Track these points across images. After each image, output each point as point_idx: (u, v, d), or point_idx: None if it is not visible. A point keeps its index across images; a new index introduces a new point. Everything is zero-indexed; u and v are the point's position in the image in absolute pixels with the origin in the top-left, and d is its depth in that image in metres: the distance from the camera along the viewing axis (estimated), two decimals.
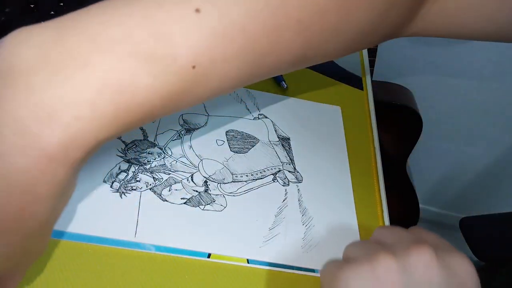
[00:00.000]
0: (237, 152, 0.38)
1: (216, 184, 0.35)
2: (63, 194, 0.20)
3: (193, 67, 0.21)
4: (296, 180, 0.37)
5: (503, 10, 0.33)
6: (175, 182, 0.34)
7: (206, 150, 0.37)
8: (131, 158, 0.34)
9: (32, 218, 0.19)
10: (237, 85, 0.26)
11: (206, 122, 0.40)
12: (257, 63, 0.25)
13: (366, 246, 0.25)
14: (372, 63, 0.84)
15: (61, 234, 0.29)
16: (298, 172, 0.38)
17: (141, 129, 0.37)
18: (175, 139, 0.37)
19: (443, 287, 0.23)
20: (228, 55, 0.23)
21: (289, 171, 0.38)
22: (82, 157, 0.19)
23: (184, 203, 0.33)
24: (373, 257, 0.23)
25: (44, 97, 0.17)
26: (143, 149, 0.35)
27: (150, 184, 0.33)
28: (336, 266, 0.25)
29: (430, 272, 0.23)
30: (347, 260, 0.26)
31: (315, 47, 0.28)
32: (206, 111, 0.41)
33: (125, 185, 0.32)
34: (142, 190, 0.33)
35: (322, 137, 0.42)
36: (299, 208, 0.35)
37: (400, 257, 0.23)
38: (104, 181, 0.32)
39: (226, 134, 0.39)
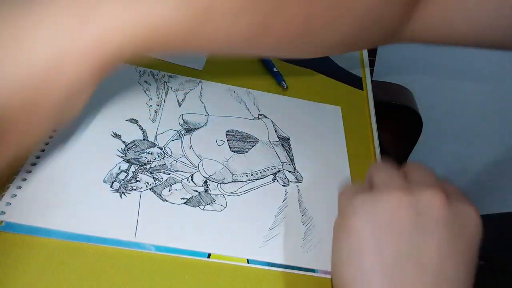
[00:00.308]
0: (237, 152, 0.38)
1: (216, 184, 0.35)
2: (75, 96, 0.24)
3: (206, 9, 0.25)
4: (296, 180, 0.37)
5: (497, 15, 0.34)
6: (175, 182, 0.34)
7: (206, 150, 0.37)
8: (131, 158, 0.34)
9: (48, 102, 0.23)
10: (245, 43, 0.29)
11: (206, 122, 0.40)
12: (264, 25, 0.28)
13: (390, 177, 0.28)
14: (372, 63, 0.84)
15: (61, 234, 0.29)
16: (298, 172, 0.38)
17: (141, 129, 0.37)
18: (175, 139, 0.37)
19: (446, 227, 0.25)
20: (238, 5, 0.26)
21: (289, 171, 0.38)
22: (103, 65, 0.24)
23: (184, 203, 0.33)
24: (390, 191, 0.26)
25: (82, 9, 0.22)
26: (143, 149, 0.35)
27: (150, 184, 0.33)
28: (355, 190, 0.28)
29: (438, 212, 0.25)
30: (369, 184, 0.29)
31: (317, 25, 0.31)
32: (206, 111, 0.41)
33: (125, 185, 0.32)
34: (142, 190, 0.33)
35: (322, 137, 0.42)
36: (299, 208, 0.35)
37: (414, 195, 0.26)
38: (104, 181, 0.32)
39: (226, 134, 0.39)
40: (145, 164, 0.34)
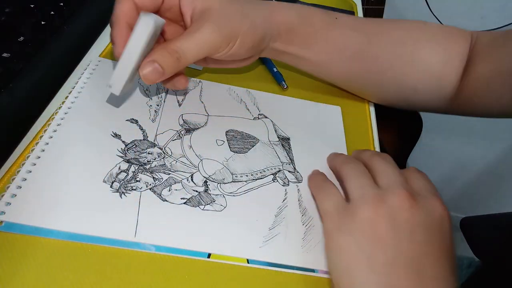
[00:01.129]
0: (237, 152, 0.38)
1: (216, 184, 0.35)
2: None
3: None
4: (296, 180, 0.37)
5: None
6: (175, 182, 0.34)
7: (206, 150, 0.37)
8: (131, 158, 0.34)
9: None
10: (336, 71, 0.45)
11: (206, 122, 0.40)
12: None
13: (362, 187, 0.31)
14: None
15: (61, 234, 0.29)
16: (298, 172, 0.38)
17: (141, 129, 0.37)
18: (175, 139, 0.37)
19: (417, 225, 0.29)
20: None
21: (289, 171, 0.38)
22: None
23: (184, 203, 0.33)
24: (365, 205, 0.30)
25: None
26: (143, 149, 0.36)
27: (150, 184, 0.33)
28: (335, 206, 0.32)
29: (407, 214, 0.29)
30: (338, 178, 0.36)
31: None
32: (206, 111, 0.41)
33: (125, 185, 0.32)
34: (142, 190, 0.33)
35: (322, 137, 0.42)
36: (299, 208, 0.35)
37: (385, 203, 0.29)
38: (104, 181, 0.32)
39: (226, 134, 0.39)
40: (145, 164, 0.35)
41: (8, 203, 0.29)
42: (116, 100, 0.38)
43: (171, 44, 0.32)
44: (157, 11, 0.36)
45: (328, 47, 0.42)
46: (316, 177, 0.36)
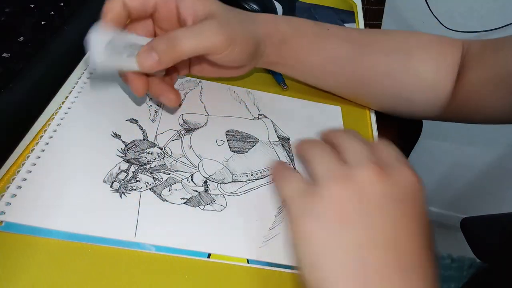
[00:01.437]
0: (237, 152, 0.38)
1: (216, 184, 0.35)
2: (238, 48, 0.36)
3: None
4: None
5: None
6: (175, 182, 0.34)
7: (206, 150, 0.37)
8: (131, 158, 0.34)
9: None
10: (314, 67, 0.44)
11: (206, 122, 0.40)
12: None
13: (328, 164, 0.28)
14: None
15: (61, 234, 0.29)
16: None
17: (141, 129, 0.37)
18: (175, 139, 0.37)
19: (388, 198, 0.26)
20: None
21: None
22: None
23: (184, 203, 0.33)
24: (329, 185, 0.27)
25: None
26: (143, 149, 0.35)
27: (150, 184, 0.33)
28: (297, 188, 0.28)
29: (375, 188, 0.26)
30: (311, 175, 0.29)
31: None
32: (206, 111, 0.41)
33: (125, 185, 0.32)
34: (142, 190, 0.33)
35: None
36: None
37: (351, 180, 0.27)
38: (104, 181, 0.32)
39: (226, 134, 0.39)
40: (145, 164, 0.34)
41: (8, 203, 0.29)
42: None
43: (169, 32, 0.32)
44: (149, 16, 0.36)
45: (321, 58, 0.42)
46: (276, 167, 0.32)
